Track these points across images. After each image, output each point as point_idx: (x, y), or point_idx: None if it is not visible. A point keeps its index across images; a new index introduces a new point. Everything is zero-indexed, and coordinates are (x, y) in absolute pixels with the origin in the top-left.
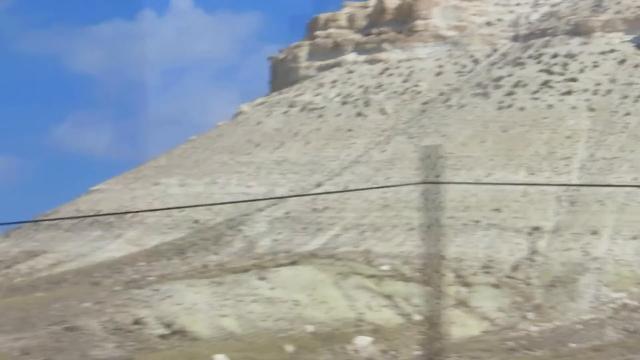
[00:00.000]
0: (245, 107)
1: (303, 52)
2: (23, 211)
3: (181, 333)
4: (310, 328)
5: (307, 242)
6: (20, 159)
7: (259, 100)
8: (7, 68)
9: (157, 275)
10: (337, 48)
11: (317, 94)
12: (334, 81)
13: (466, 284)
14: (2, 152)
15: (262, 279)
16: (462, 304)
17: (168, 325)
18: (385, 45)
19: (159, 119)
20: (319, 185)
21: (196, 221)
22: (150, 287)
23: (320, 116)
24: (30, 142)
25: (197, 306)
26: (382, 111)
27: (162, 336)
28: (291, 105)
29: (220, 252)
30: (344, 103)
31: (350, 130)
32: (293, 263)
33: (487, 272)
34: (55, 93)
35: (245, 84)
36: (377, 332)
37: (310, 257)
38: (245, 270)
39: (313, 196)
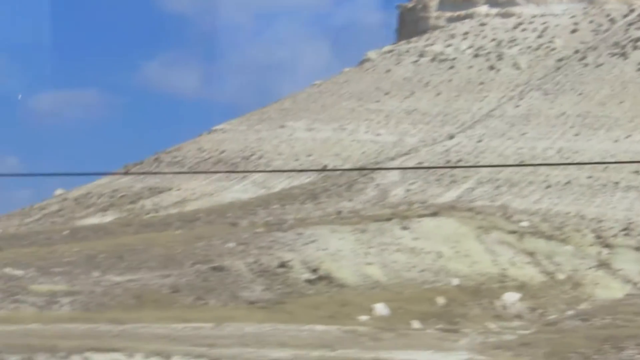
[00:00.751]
0: (372, 54)
1: (433, 2)
2: (127, 146)
3: (327, 279)
4: (455, 281)
5: (441, 193)
6: (109, 94)
7: (387, 48)
8: (100, 5)
9: (292, 219)
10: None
11: (448, 45)
12: (466, 33)
13: (607, 245)
14: (91, 86)
15: (404, 228)
16: (604, 265)
17: (314, 270)
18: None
19: (248, 63)
20: (450, 137)
21: (325, 166)
22: (294, 231)
23: (451, 67)
24: (120, 79)
25: (341, 252)
26: (516, 66)
27: (309, 281)
28: (421, 55)
29: (354, 199)
30: (475, 55)
31: (482, 83)
32: (434, 214)
33: (627, 235)
34: (147, 31)
35: (336, 31)
36: (522, 289)
37: (450, 209)
38: (388, 218)
39: (446, 148)
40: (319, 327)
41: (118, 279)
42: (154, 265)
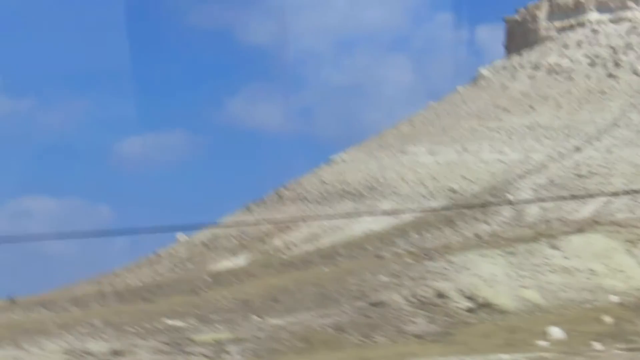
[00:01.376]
0: (485, 71)
1: (542, 13)
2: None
3: (487, 306)
4: (614, 298)
5: (577, 208)
6: (194, 134)
7: (499, 63)
8: (179, 43)
9: (434, 246)
10: (578, 7)
11: (563, 56)
12: (579, 42)
13: None
14: (176, 127)
15: (554, 247)
16: None
17: (470, 298)
18: (629, 3)
19: (331, 91)
20: (577, 149)
21: (452, 190)
22: (444, 259)
23: (568, 78)
24: (203, 117)
25: (496, 278)
26: (636, 72)
27: (470, 310)
28: (536, 68)
29: (490, 221)
30: (592, 64)
31: (602, 92)
32: (580, 230)
33: None
34: (227, 66)
35: (417, 53)
36: None
37: (593, 223)
38: (533, 239)
39: (576, 161)
40: (505, 357)
41: (279, 322)
42: (310, 305)
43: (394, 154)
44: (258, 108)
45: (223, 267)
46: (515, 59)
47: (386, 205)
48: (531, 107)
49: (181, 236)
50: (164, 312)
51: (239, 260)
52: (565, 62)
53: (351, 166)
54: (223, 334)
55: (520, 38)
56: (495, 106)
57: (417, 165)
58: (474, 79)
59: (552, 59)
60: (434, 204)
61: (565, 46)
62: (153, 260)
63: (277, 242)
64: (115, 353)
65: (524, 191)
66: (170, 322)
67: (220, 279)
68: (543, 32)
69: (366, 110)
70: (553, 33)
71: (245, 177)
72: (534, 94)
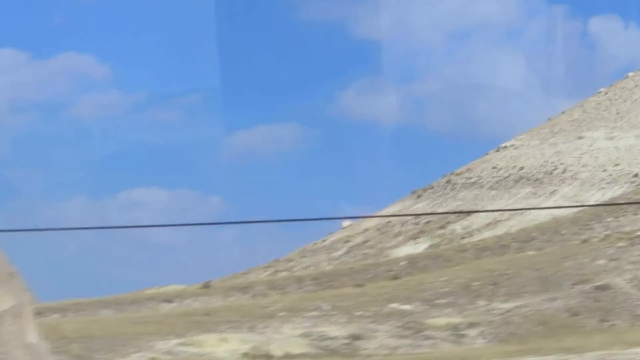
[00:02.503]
0: None
1: None
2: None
3: None
4: None
5: None
6: (306, 127)
7: None
8: (292, 37)
9: (631, 229)
10: None
11: None
12: None
13: None
14: (288, 121)
15: None
16: None
17: None
18: None
19: (443, 83)
20: None
21: (636, 175)
22: None
23: None
24: (315, 110)
25: None
26: None
27: None
28: None
29: None
30: None
31: None
32: None
33: None
34: (340, 60)
35: (530, 46)
36: None
37: None
38: None
39: None
40: None
41: (506, 306)
42: (533, 289)
43: (570, 140)
44: (370, 101)
45: (404, 253)
46: None
47: (567, 190)
48: None
49: (346, 222)
50: (385, 295)
51: (420, 246)
52: None
53: (524, 152)
54: (455, 318)
55: None
56: None
57: (595, 150)
58: None
59: None
60: (616, 188)
61: None
62: (326, 247)
63: (457, 227)
64: (355, 337)
65: None
66: (397, 306)
67: (416, 264)
68: None
69: (479, 104)
70: None
71: (358, 169)
72: None
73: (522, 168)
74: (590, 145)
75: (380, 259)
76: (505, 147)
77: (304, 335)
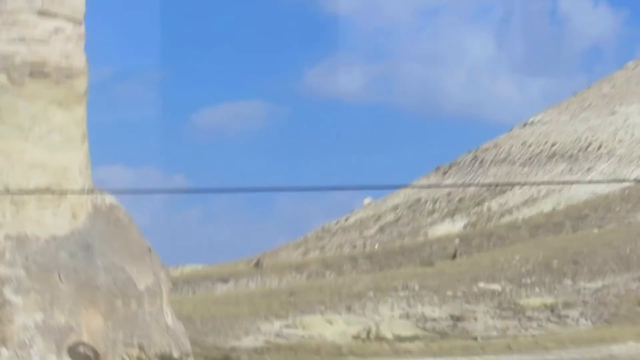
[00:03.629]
0: None
1: None
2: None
3: None
4: None
5: None
6: (273, 104)
7: None
8: (259, 12)
9: None
10: None
11: None
12: None
13: None
14: (255, 97)
15: None
16: None
17: None
18: None
19: (412, 60)
20: None
21: None
22: None
23: None
24: (283, 87)
25: None
26: None
27: None
28: None
29: None
30: None
31: None
32: None
33: None
34: (307, 36)
35: (498, 22)
36: None
37: None
38: None
39: None
40: None
41: (594, 285)
42: (615, 267)
43: (602, 115)
44: (338, 78)
45: (443, 231)
46: None
47: (604, 167)
48: None
49: (367, 200)
50: (465, 274)
51: (457, 224)
52: None
53: (554, 127)
54: (547, 298)
55: None
56: None
57: (631, 126)
58: None
59: None
60: None
61: None
62: (354, 225)
63: (493, 205)
64: (456, 318)
65: None
66: (485, 285)
67: (470, 241)
68: None
69: (446, 81)
70: None
71: (327, 146)
72: None
73: (554, 144)
74: (625, 121)
75: (419, 238)
76: (532, 122)
77: (405, 316)
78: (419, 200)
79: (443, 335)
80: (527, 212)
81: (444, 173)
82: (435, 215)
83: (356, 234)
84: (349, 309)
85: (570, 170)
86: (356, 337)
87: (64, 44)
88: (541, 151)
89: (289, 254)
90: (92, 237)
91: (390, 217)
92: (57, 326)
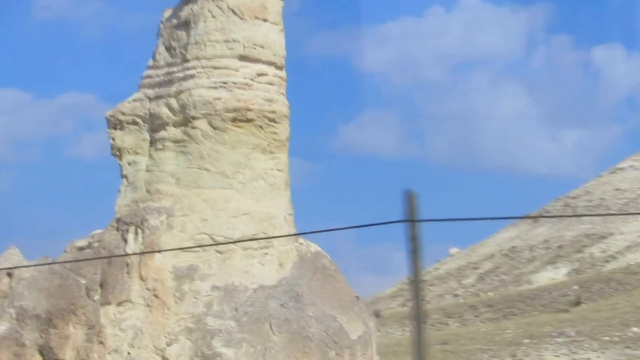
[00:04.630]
0: None
1: None
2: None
3: None
4: None
5: None
6: (309, 162)
7: None
8: (297, 70)
9: None
10: None
11: None
12: None
13: None
14: (292, 156)
15: None
16: None
17: None
18: None
19: (446, 115)
20: None
21: None
22: None
23: None
24: (319, 145)
25: None
26: None
27: None
28: None
29: None
30: None
31: None
32: None
33: None
34: (344, 94)
35: (532, 75)
36: None
37: None
38: None
39: None
40: None
41: None
42: None
43: None
44: (373, 134)
45: (546, 278)
46: None
47: None
48: None
49: (453, 249)
50: (610, 320)
51: (560, 271)
52: None
53: None
54: None
55: None
56: None
57: None
58: None
59: None
60: None
61: None
62: (449, 275)
63: (595, 251)
64: None
65: None
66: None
67: (588, 287)
68: None
69: (480, 135)
70: None
71: (361, 201)
72: None
73: None
74: None
75: (523, 285)
76: (622, 168)
77: None
78: (514, 248)
79: None
80: (632, 257)
81: (535, 221)
82: (537, 264)
83: (455, 282)
84: (514, 356)
85: None
86: None
87: (266, 88)
88: (636, 196)
89: (387, 304)
90: (300, 286)
91: (487, 266)
92: None
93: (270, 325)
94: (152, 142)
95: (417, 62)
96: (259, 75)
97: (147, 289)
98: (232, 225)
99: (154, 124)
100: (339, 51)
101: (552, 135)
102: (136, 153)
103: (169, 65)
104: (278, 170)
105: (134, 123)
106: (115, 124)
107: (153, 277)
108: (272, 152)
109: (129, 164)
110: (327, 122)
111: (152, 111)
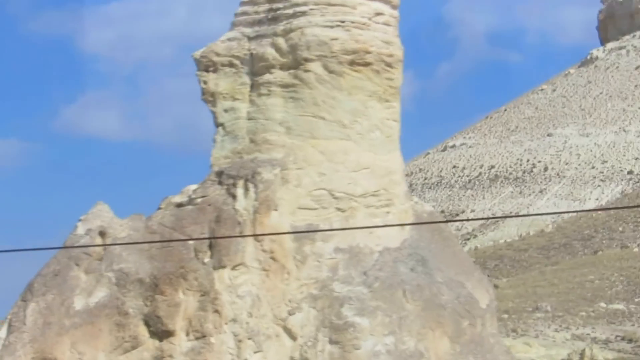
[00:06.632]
0: (597, 53)
1: None
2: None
3: None
4: None
5: None
6: (26, 143)
7: (610, 46)
8: (18, 50)
9: None
10: None
11: None
12: None
13: None
14: (9, 136)
15: None
16: None
17: None
18: None
19: (169, 97)
20: None
21: (630, 172)
22: None
23: None
24: (38, 125)
25: None
26: None
27: None
28: None
29: None
30: None
31: None
32: None
33: None
34: (66, 74)
35: None
36: None
37: None
38: None
39: None
40: None
41: None
42: None
43: (537, 137)
44: (96, 115)
45: None
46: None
47: (557, 188)
48: None
49: None
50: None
51: None
52: None
53: (484, 150)
54: None
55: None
56: (637, 86)
57: (573, 147)
58: (582, 61)
59: None
60: (613, 186)
61: None
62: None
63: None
64: None
65: None
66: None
67: None
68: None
69: (203, 117)
70: None
71: (86, 184)
72: None
73: (492, 167)
74: (565, 143)
75: None
76: (453, 145)
77: None
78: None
79: None
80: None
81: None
82: None
83: None
84: None
85: (520, 192)
86: None
87: (384, 29)
88: (479, 174)
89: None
90: (422, 249)
91: None
92: (408, 352)
93: (405, 291)
94: (254, 87)
95: (141, 43)
96: (377, 14)
97: (264, 251)
98: (353, 180)
99: (256, 66)
100: (64, 31)
101: None
102: (234, 99)
103: (270, 1)
104: (394, 120)
105: (231, 65)
106: (207, 66)
107: (270, 237)
108: (387, 101)
109: (226, 110)
110: (48, 102)
111: (253, 52)
